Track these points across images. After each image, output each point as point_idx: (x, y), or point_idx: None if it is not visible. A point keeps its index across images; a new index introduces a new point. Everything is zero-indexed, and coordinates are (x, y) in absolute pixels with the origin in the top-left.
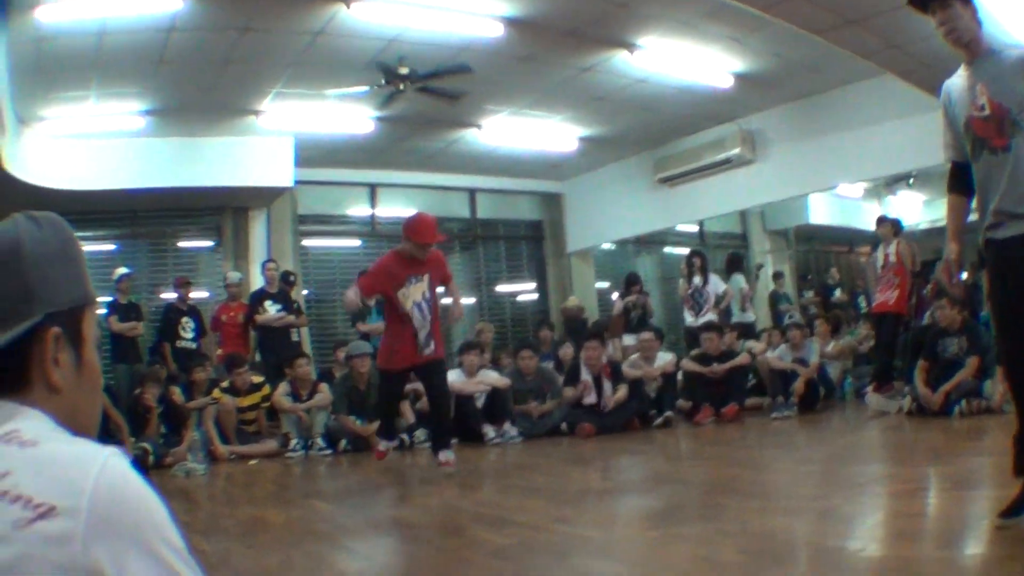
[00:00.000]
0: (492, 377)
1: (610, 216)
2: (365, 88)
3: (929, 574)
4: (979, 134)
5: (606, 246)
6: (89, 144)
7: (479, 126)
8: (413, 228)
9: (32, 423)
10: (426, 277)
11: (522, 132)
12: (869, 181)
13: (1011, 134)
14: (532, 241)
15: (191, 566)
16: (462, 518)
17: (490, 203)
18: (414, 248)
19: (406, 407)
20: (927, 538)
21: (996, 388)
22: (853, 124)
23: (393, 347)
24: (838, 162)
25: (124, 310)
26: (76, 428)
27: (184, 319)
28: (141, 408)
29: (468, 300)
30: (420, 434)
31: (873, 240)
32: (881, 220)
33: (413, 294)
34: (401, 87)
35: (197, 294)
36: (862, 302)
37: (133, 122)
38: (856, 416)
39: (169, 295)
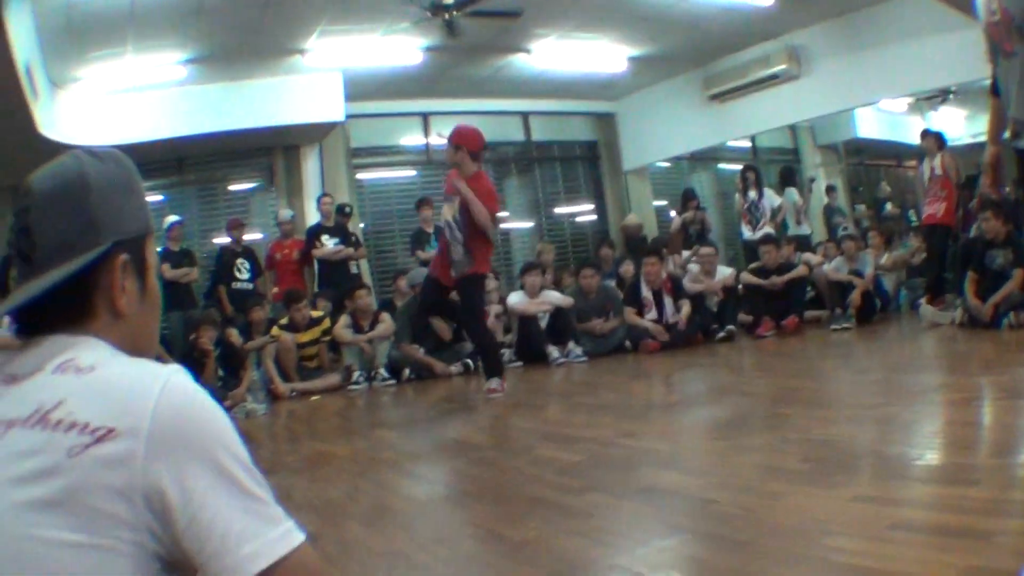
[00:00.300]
0: (555, 297)
1: (663, 134)
2: (409, 24)
3: (985, 481)
4: (994, 39)
5: (661, 164)
6: (129, 98)
7: (528, 50)
8: (467, 137)
9: (89, 350)
10: (458, 200)
11: (572, 54)
12: (911, 96)
13: (1019, 39)
14: (588, 162)
15: (257, 478)
16: (529, 438)
17: (544, 126)
18: (465, 157)
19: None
20: (982, 446)
21: None
22: (894, 39)
23: (436, 260)
24: (881, 77)
25: (176, 257)
26: (137, 352)
27: (239, 260)
28: (197, 353)
29: (527, 223)
30: None
31: (919, 154)
32: (925, 134)
33: (445, 212)
34: (448, 16)
35: (250, 236)
36: (912, 215)
37: (174, 72)
38: (911, 327)
39: (223, 239)
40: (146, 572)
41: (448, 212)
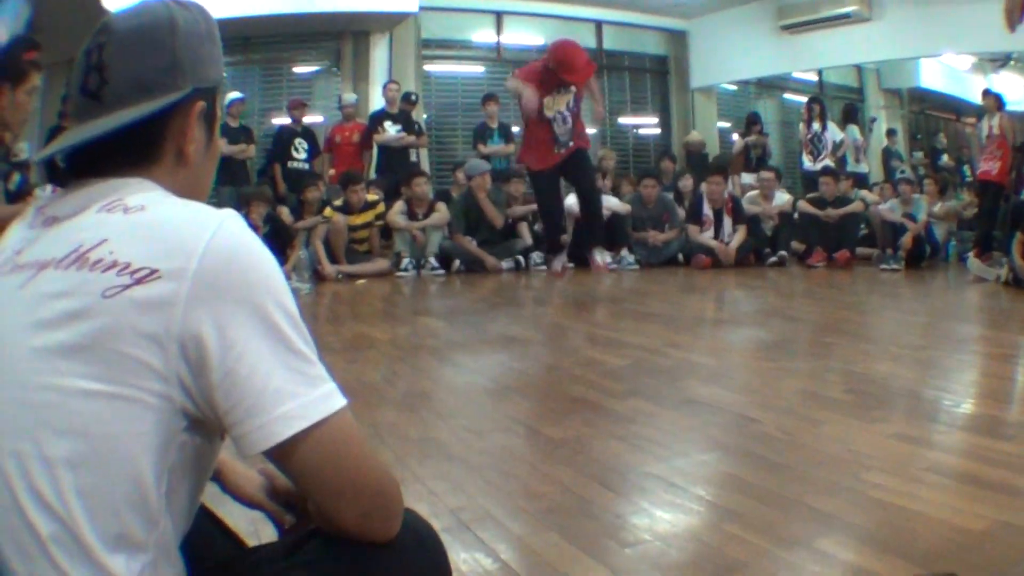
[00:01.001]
0: (613, 202)
1: (733, 57)
2: None
3: (1017, 437)
4: None
5: (728, 86)
6: None
7: None
8: (566, 65)
9: (140, 191)
10: (573, 89)
11: None
12: (975, 54)
13: None
14: (657, 76)
15: (303, 334)
16: (576, 338)
17: (616, 36)
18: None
19: (524, 228)
20: (1018, 403)
21: None
22: None
23: (532, 148)
24: (948, 31)
25: (234, 133)
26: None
27: (297, 140)
28: None
29: (591, 130)
30: (536, 256)
31: (979, 111)
32: (986, 93)
33: (558, 103)
34: None
35: (312, 118)
36: (967, 170)
37: None
38: (957, 278)
39: (282, 119)
40: (170, 428)
41: (561, 102)
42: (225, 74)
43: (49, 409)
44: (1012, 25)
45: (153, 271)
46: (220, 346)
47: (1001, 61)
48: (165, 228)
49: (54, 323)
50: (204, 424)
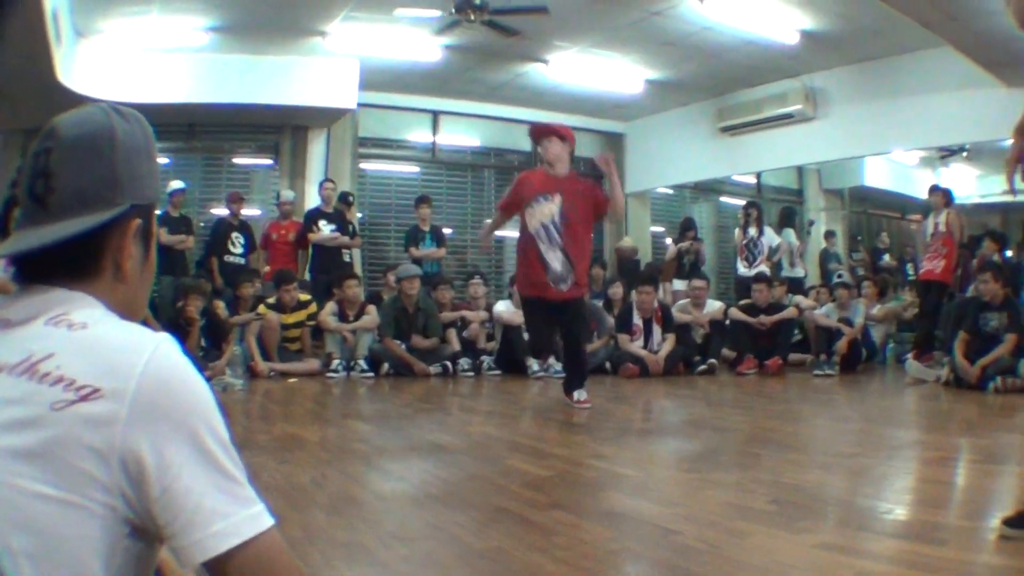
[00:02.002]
0: None
1: (670, 160)
2: (437, 13)
3: (953, 542)
4: None
5: (663, 190)
6: (148, 57)
7: (546, 61)
8: (531, 128)
9: (84, 308)
10: (558, 199)
11: (589, 70)
12: (924, 149)
13: None
14: (591, 179)
15: (234, 458)
16: (500, 448)
17: None
18: (540, 153)
19: (452, 335)
20: (954, 506)
21: None
22: (913, 92)
23: (526, 272)
24: (896, 127)
25: (175, 223)
26: (127, 318)
27: (234, 234)
28: (183, 320)
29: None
30: (464, 362)
31: (924, 208)
32: (933, 189)
33: (540, 213)
34: (471, 17)
35: (249, 211)
36: (910, 269)
37: (196, 38)
38: (895, 381)
39: (221, 211)
40: (114, 535)
41: (547, 212)
42: (163, 170)
43: (9, 505)
44: (1011, 183)
45: (95, 389)
46: (157, 467)
47: (951, 154)
48: (105, 349)
49: (10, 427)
50: (145, 531)
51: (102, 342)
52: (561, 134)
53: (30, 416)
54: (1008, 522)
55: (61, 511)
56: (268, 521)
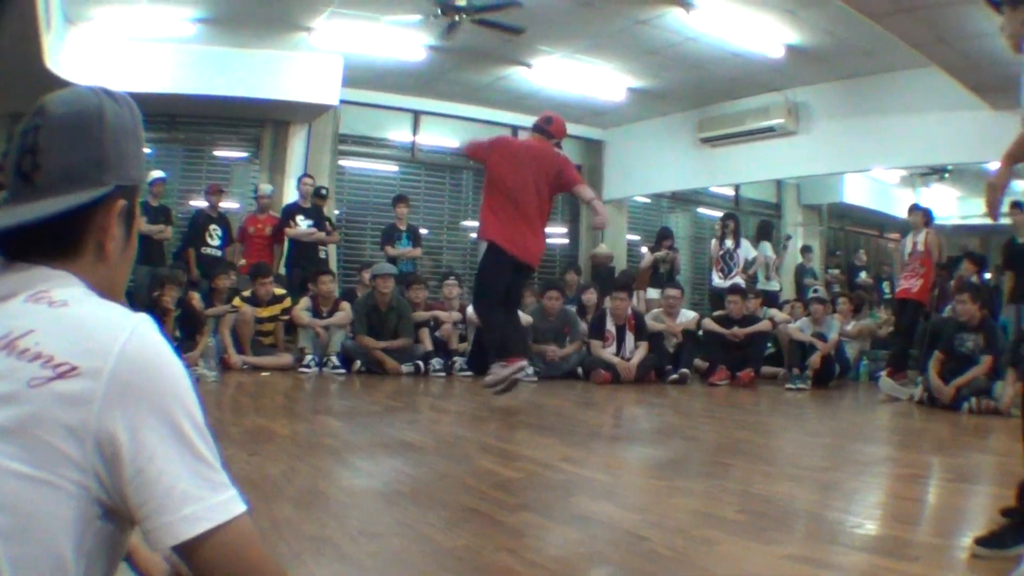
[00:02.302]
0: None
1: (649, 169)
2: (418, 17)
3: (924, 558)
4: None
5: (641, 199)
6: (134, 47)
7: (529, 65)
8: (559, 126)
9: (64, 286)
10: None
11: (571, 76)
12: (906, 169)
13: None
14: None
15: (208, 443)
16: (470, 448)
17: None
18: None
19: (425, 334)
20: (924, 523)
21: (1006, 391)
22: (896, 111)
23: (511, 230)
24: (878, 145)
25: (154, 213)
26: (108, 299)
27: (212, 226)
28: (158, 310)
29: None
30: (436, 363)
31: (903, 228)
32: (913, 208)
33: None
34: (456, 18)
35: (227, 204)
36: (886, 288)
37: (183, 28)
38: (868, 398)
39: (200, 203)
40: (86, 515)
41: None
42: (146, 159)
43: None
44: (995, 214)
45: (73, 367)
46: (132, 447)
47: (935, 174)
48: (85, 327)
49: None
50: (117, 513)
51: (82, 320)
52: (550, 129)
53: (7, 392)
54: (980, 541)
55: (34, 489)
56: (240, 507)
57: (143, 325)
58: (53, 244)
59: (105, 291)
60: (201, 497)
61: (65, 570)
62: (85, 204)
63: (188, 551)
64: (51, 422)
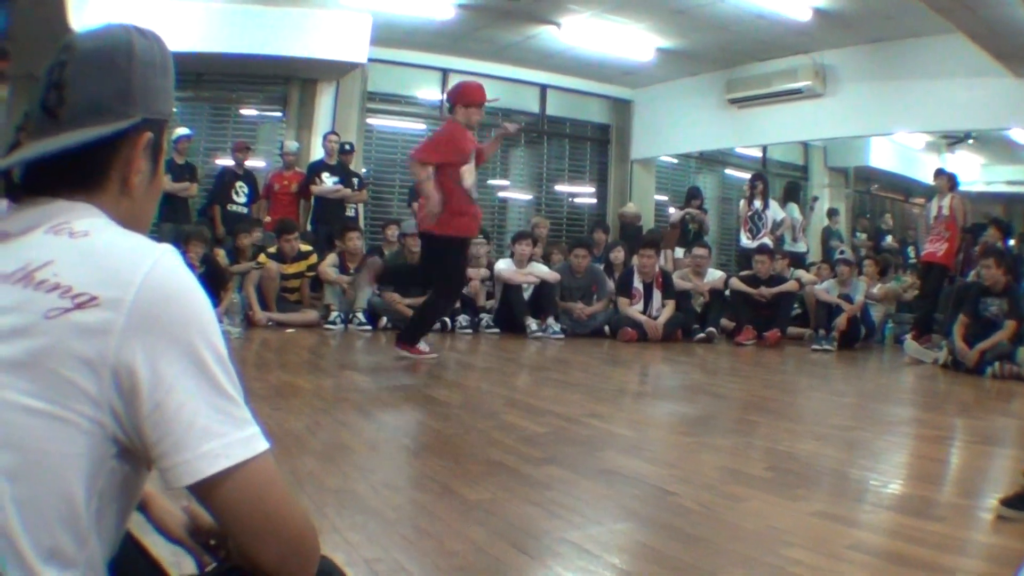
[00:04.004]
0: (542, 270)
1: (677, 129)
2: None
3: (949, 518)
4: None
5: (669, 159)
6: (160, 4)
7: (558, 24)
8: (471, 92)
9: (86, 216)
10: (472, 159)
11: (600, 35)
12: (930, 133)
13: None
14: (597, 144)
15: (232, 377)
16: (497, 403)
17: (560, 101)
18: (471, 116)
19: None
20: (948, 484)
21: None
22: (922, 75)
23: (465, 214)
24: (903, 109)
25: (179, 170)
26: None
27: (238, 183)
28: None
29: (526, 195)
30: (463, 319)
31: (928, 192)
32: (939, 172)
33: (471, 171)
34: None
35: (253, 162)
36: (911, 252)
37: None
38: (893, 360)
39: (226, 161)
40: (100, 453)
41: (473, 170)
42: (175, 109)
43: None
44: None
45: (92, 297)
46: (151, 379)
47: (957, 140)
48: (106, 256)
49: (1, 337)
50: (133, 453)
51: (103, 250)
52: (458, 102)
53: (22, 324)
54: (1006, 502)
55: (46, 425)
56: (263, 444)
57: (167, 255)
58: (77, 178)
59: (129, 226)
60: (222, 433)
61: (75, 512)
62: (110, 135)
63: (207, 491)
64: (67, 354)
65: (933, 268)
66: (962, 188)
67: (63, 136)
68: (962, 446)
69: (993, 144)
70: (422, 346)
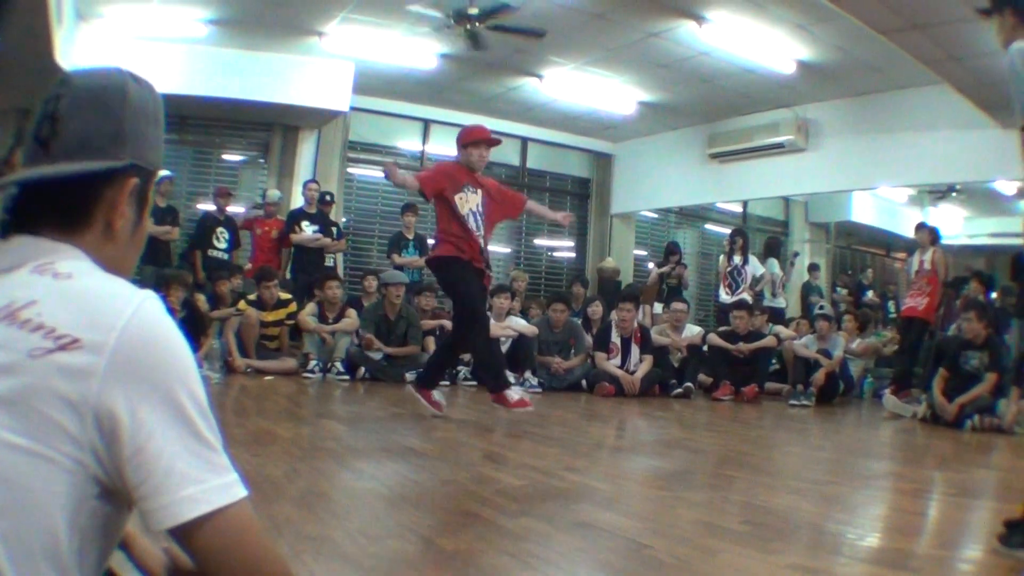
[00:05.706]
0: (520, 324)
1: (657, 184)
2: (438, 13)
3: (923, 570)
4: None
5: (649, 214)
6: (145, 46)
7: (540, 76)
8: (467, 132)
9: (70, 259)
10: (480, 192)
11: (582, 88)
12: (914, 187)
13: None
14: (577, 198)
15: (211, 424)
16: (473, 455)
17: (541, 154)
18: (471, 155)
19: (431, 343)
20: (926, 536)
21: (1009, 408)
22: (906, 128)
23: (460, 241)
24: (887, 163)
25: (161, 213)
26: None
27: (219, 228)
28: None
29: (505, 248)
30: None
31: (910, 247)
32: (920, 226)
33: (469, 201)
34: (469, 27)
35: (234, 208)
36: (892, 307)
37: (195, 29)
38: (871, 415)
39: (207, 205)
40: (82, 492)
41: (473, 201)
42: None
43: None
44: None
45: (75, 339)
46: (131, 424)
47: (941, 193)
48: (89, 299)
49: None
50: (115, 493)
51: (86, 293)
52: (462, 142)
53: (7, 362)
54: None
55: (29, 462)
56: (241, 492)
57: (149, 301)
58: (61, 216)
59: (112, 271)
60: (201, 479)
61: (58, 548)
62: (97, 173)
63: (185, 534)
64: (50, 394)
65: (913, 322)
66: (944, 242)
67: (51, 167)
68: (940, 499)
69: (977, 196)
70: (435, 395)
